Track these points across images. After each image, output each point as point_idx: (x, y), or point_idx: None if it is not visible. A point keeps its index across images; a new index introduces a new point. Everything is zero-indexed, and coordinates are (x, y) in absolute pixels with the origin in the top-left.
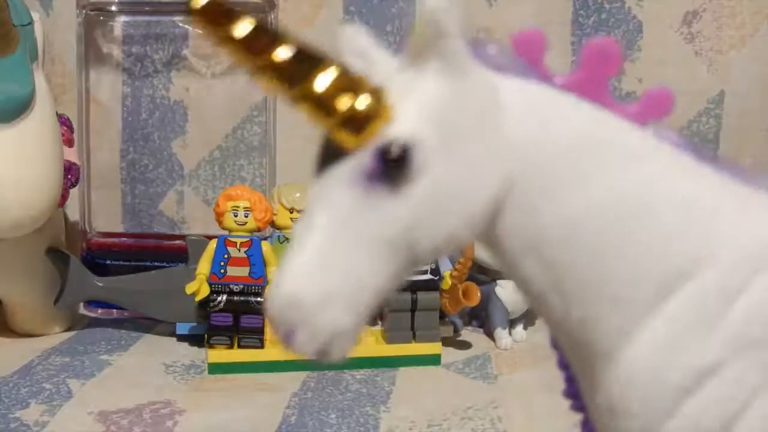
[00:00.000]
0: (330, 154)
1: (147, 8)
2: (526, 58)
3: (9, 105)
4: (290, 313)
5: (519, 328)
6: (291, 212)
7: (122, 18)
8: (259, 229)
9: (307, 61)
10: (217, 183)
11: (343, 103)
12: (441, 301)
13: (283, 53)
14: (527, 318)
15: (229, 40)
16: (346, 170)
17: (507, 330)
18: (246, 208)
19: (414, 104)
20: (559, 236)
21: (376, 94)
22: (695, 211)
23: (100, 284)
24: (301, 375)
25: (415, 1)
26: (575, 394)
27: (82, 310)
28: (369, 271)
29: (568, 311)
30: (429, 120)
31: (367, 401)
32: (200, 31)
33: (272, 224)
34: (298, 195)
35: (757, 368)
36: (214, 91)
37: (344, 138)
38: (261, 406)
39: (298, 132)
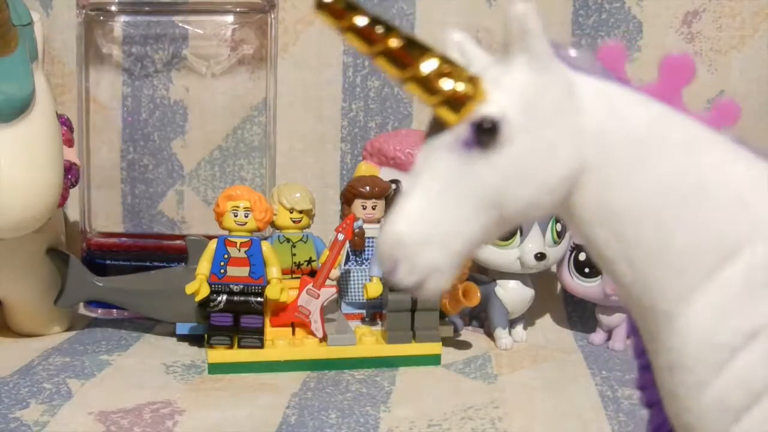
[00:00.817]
0: (435, 127)
1: (147, 8)
2: (608, 65)
3: (9, 105)
4: (396, 251)
5: (519, 328)
6: (291, 212)
7: (122, 18)
8: (259, 229)
9: (416, 49)
10: (217, 183)
11: (446, 85)
12: (441, 301)
13: (395, 41)
14: (527, 318)
15: (351, 30)
16: (447, 140)
17: (507, 330)
18: (246, 208)
19: (503, 90)
20: (628, 212)
21: (473, 80)
22: (747, 195)
23: (100, 284)
24: (301, 375)
25: (415, 2)
26: (646, 385)
27: (82, 310)
28: (462, 222)
29: (635, 277)
30: (515, 103)
31: (367, 401)
32: (328, 23)
33: (272, 224)
34: (298, 195)
35: None
36: (214, 91)
37: (446, 114)
38: (261, 406)
39: (298, 132)
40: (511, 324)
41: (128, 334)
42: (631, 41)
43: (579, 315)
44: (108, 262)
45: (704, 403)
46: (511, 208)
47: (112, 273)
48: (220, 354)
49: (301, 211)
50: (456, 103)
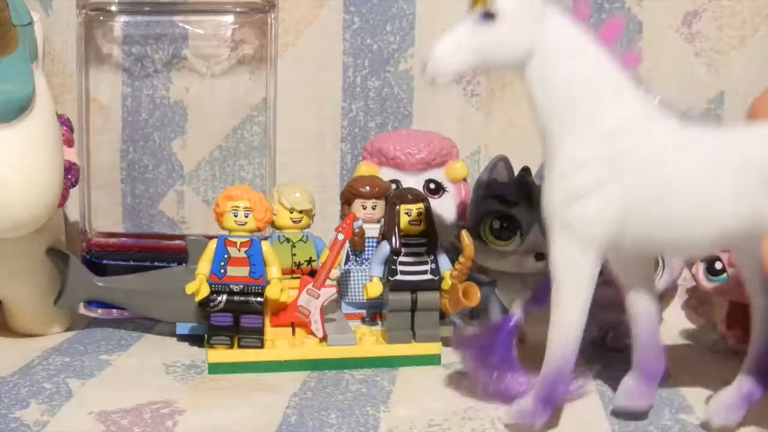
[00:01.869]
0: (470, 5)
1: (147, 8)
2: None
3: (9, 105)
4: (428, 57)
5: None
6: (291, 212)
7: (122, 18)
8: (259, 229)
9: None
10: (217, 183)
11: None
12: (441, 301)
13: None
14: (527, 318)
15: None
16: (473, 15)
17: None
18: (246, 208)
19: None
20: (553, 82)
21: None
22: (609, 94)
23: (100, 284)
24: (301, 375)
25: (415, 2)
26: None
27: (82, 310)
28: (464, 53)
29: (549, 117)
30: (510, 5)
31: (367, 401)
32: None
33: (272, 224)
34: (298, 195)
35: (608, 170)
36: (214, 91)
37: (474, 2)
38: (261, 406)
39: (298, 132)
40: None
41: (128, 334)
42: (631, 41)
43: None
44: (108, 262)
45: (560, 190)
46: (490, 57)
47: (112, 273)
48: (220, 354)
49: (301, 211)
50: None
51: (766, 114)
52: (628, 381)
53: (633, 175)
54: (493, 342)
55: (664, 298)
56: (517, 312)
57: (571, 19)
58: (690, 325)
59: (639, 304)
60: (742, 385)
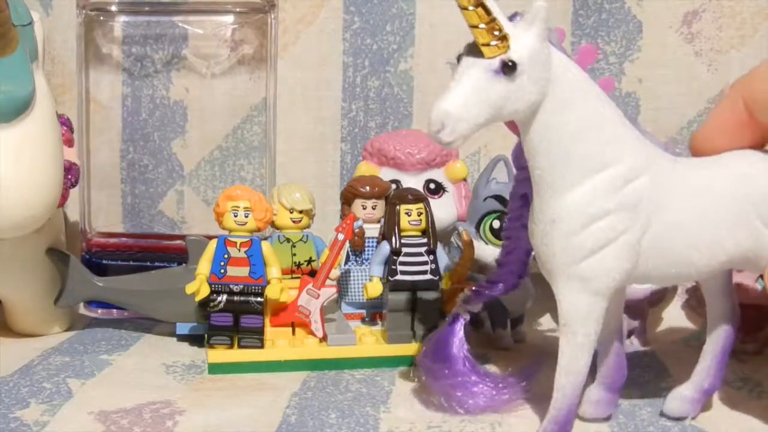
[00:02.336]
0: (473, 51)
1: (147, 8)
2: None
3: (9, 105)
4: (444, 119)
5: (519, 328)
6: (291, 212)
7: (122, 18)
8: (259, 229)
9: (485, 8)
10: (217, 183)
11: (492, 33)
12: (441, 301)
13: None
14: (527, 318)
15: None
16: (484, 64)
17: (507, 330)
18: (246, 208)
19: (521, 46)
20: (556, 127)
21: (505, 35)
22: (619, 131)
23: (100, 284)
24: (301, 375)
25: (415, 2)
26: (512, 236)
27: (82, 310)
28: (481, 111)
29: (550, 166)
30: (526, 55)
31: (367, 401)
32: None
33: (272, 224)
34: (298, 195)
35: (625, 219)
36: (214, 91)
37: (486, 50)
38: (261, 406)
39: (298, 132)
40: (512, 324)
41: (128, 334)
42: (631, 41)
43: None
44: (108, 262)
45: (569, 244)
46: (506, 110)
47: (112, 273)
48: (220, 354)
49: (301, 211)
50: (494, 45)
51: (704, 150)
52: (593, 392)
53: (645, 221)
54: (444, 352)
55: (664, 298)
56: (461, 312)
57: (571, 60)
58: (690, 325)
59: (608, 318)
60: (701, 380)
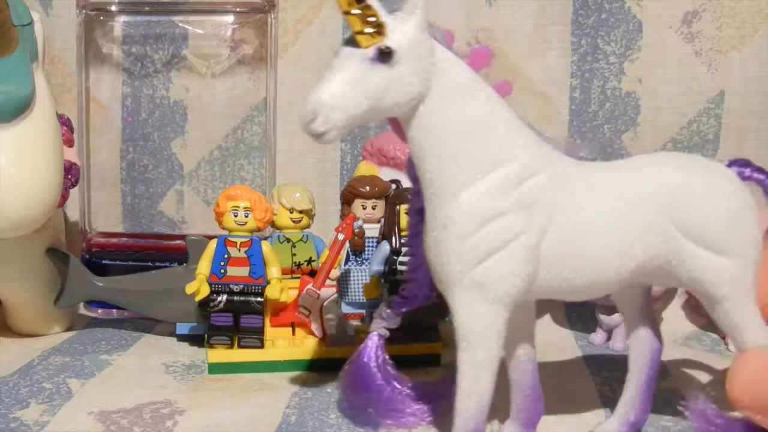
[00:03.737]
0: (351, 42)
1: (147, 8)
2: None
3: (9, 105)
4: (318, 108)
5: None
6: (291, 212)
7: (122, 18)
8: (259, 229)
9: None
10: (217, 183)
11: (368, 21)
12: (442, 302)
13: None
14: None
15: None
16: (360, 53)
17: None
18: (246, 208)
19: (399, 34)
20: (444, 126)
21: (382, 24)
22: (512, 130)
23: (100, 284)
24: (301, 375)
25: None
26: (416, 252)
27: (82, 310)
28: (357, 102)
29: (439, 168)
30: (405, 42)
31: None
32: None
33: (272, 224)
34: (298, 195)
35: (522, 220)
36: (214, 91)
37: (362, 39)
38: (261, 406)
39: (298, 132)
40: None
41: (128, 334)
42: (631, 41)
43: (579, 315)
44: (108, 262)
45: (463, 248)
46: (385, 102)
47: (112, 273)
48: (220, 354)
49: (301, 211)
50: (371, 34)
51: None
52: (510, 429)
53: (544, 223)
54: (365, 383)
55: (663, 298)
56: (377, 329)
57: (459, 59)
58: (690, 325)
59: (519, 347)
60: (627, 413)
